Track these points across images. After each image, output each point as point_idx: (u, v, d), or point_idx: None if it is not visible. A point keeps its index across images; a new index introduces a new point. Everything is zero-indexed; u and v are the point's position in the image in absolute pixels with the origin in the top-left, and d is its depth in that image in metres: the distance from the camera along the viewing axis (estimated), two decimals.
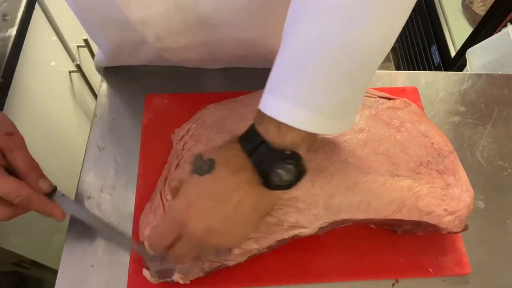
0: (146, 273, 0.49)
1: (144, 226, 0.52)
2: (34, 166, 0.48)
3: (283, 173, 0.41)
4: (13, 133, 0.48)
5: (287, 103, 0.38)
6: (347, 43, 0.37)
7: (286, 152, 0.40)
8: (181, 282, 0.49)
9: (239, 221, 0.43)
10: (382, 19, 0.37)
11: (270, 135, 0.40)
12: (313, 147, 0.46)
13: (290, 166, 0.41)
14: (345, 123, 0.42)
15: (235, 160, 0.42)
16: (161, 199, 0.53)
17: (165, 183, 0.54)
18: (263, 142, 0.40)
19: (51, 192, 0.48)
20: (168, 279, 0.49)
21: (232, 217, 0.42)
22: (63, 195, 0.50)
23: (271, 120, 0.39)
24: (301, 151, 0.41)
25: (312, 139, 0.42)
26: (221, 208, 0.41)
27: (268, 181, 0.41)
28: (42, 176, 0.48)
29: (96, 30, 0.60)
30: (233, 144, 0.43)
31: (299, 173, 0.42)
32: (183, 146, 0.56)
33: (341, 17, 0.36)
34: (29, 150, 0.54)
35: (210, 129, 0.56)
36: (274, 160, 0.40)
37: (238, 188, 0.42)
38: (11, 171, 0.46)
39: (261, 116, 0.40)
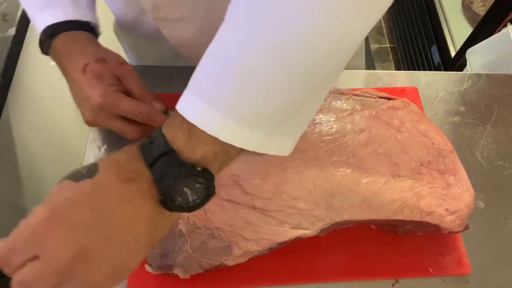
0: (148, 268, 0.49)
1: None
2: (146, 90, 0.52)
3: (190, 192, 0.33)
4: (124, 63, 0.53)
5: (201, 101, 0.32)
6: (278, 48, 0.31)
7: (197, 168, 0.33)
8: (181, 276, 0.49)
9: (124, 245, 0.33)
10: (328, 19, 0.30)
11: (178, 144, 0.33)
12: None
13: (199, 186, 0.33)
14: (274, 143, 0.34)
15: (130, 166, 0.33)
16: None
17: None
18: (170, 151, 0.33)
19: (165, 112, 0.53)
20: (170, 272, 0.49)
21: (116, 238, 0.32)
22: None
23: (182, 123, 0.33)
24: (213, 169, 0.34)
25: (226, 156, 0.35)
26: (102, 224, 0.31)
27: (168, 200, 0.33)
28: (154, 98, 0.52)
29: None
30: (130, 149, 0.34)
31: (207, 195, 0.34)
32: None
33: (274, 12, 0.30)
34: (29, 149, 0.53)
35: None
36: (182, 176, 0.32)
37: (130, 199, 0.32)
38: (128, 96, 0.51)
39: (172, 117, 0.34)
